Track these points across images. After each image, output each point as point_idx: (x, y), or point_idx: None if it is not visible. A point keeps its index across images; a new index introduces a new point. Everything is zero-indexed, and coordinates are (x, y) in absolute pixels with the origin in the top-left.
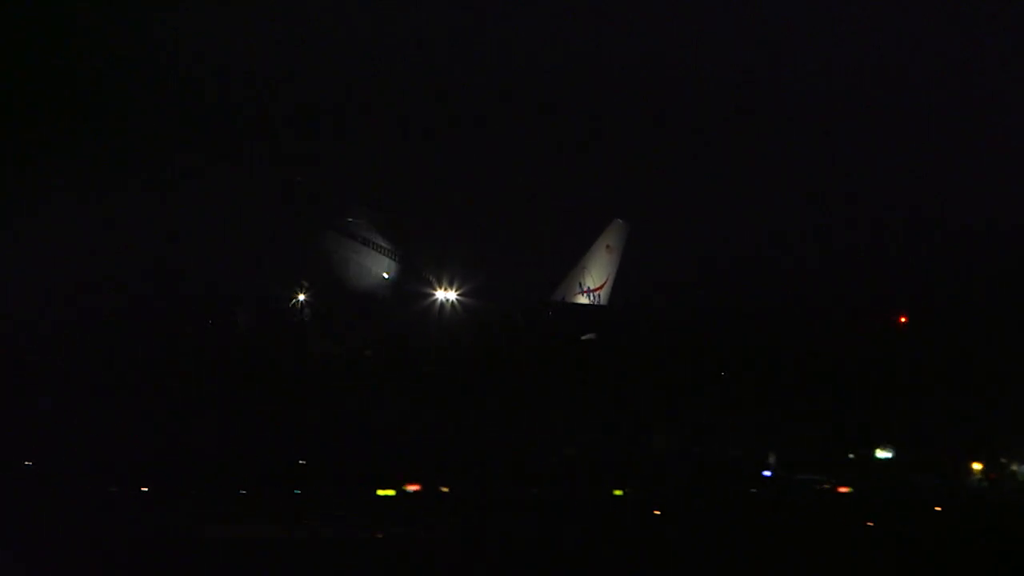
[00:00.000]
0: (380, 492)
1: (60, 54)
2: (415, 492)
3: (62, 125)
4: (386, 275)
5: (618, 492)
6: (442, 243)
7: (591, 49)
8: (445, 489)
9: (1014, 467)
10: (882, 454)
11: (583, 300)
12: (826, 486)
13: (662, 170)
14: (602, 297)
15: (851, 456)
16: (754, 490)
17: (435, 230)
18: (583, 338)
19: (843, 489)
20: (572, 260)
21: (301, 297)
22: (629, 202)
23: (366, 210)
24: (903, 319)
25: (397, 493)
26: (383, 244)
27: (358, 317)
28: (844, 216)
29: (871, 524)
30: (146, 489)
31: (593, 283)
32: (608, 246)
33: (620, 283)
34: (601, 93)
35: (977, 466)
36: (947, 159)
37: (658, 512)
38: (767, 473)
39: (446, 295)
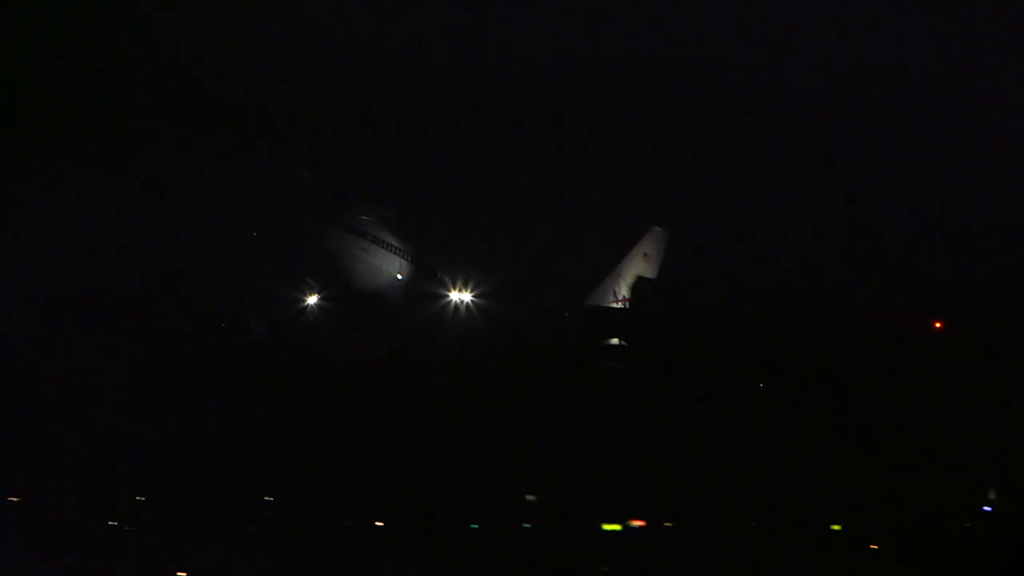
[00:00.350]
0: (606, 527)
1: (60, 54)
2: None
3: (62, 125)
4: (399, 275)
5: (836, 527)
6: (459, 244)
7: (591, 49)
8: (669, 524)
9: None
10: None
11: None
12: None
13: (662, 170)
14: None
15: None
16: (967, 525)
17: (451, 230)
18: (608, 343)
19: None
20: (608, 267)
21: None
22: (629, 202)
23: (378, 208)
24: (938, 324)
25: (623, 528)
26: (396, 243)
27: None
28: (844, 216)
29: None
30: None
31: (628, 291)
32: (646, 254)
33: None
34: (600, 94)
35: None
36: (947, 159)
37: (875, 547)
38: (987, 508)
39: (461, 296)
